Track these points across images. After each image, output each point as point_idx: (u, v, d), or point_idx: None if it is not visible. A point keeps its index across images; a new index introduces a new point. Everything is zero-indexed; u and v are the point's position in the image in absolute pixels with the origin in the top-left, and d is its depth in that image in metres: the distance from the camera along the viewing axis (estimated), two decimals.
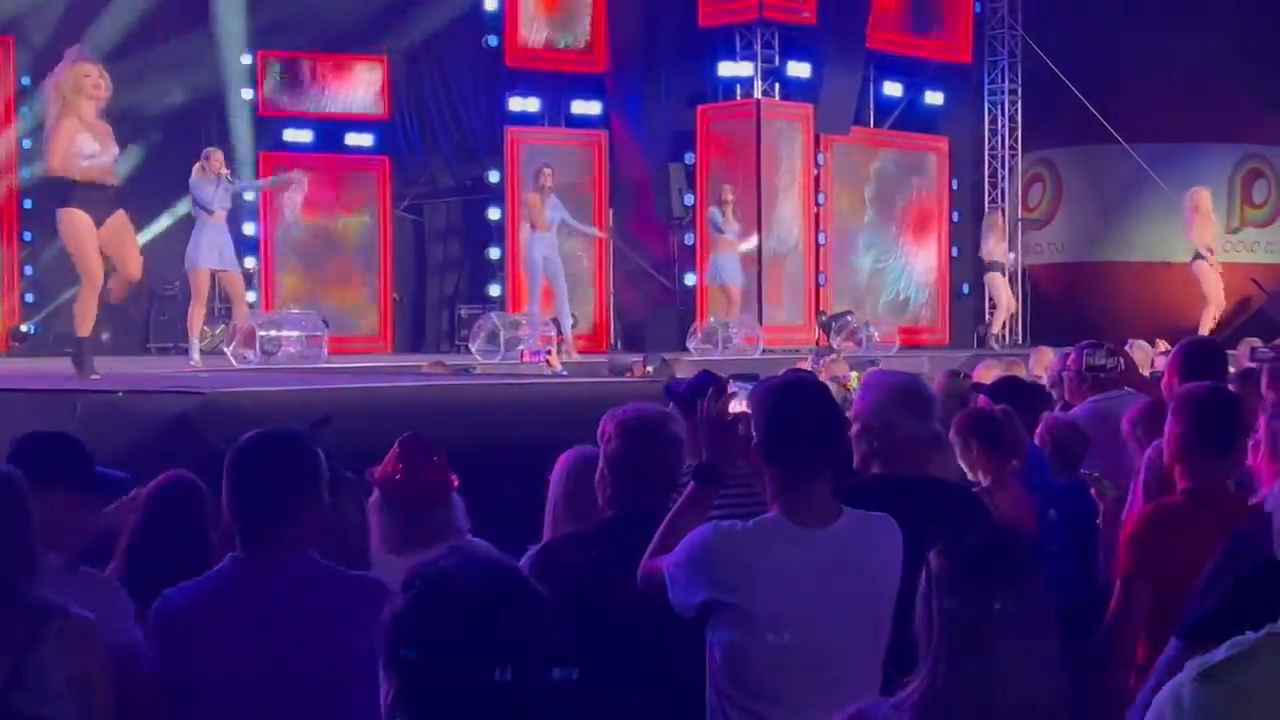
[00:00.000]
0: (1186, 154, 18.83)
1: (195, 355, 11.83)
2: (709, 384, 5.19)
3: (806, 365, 10.42)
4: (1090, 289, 17.65)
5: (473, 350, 14.32)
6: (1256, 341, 7.12)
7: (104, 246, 8.64)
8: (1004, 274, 17.74)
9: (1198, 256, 16.06)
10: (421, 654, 1.90)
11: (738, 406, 3.74)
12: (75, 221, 8.52)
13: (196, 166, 11.93)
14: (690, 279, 16.88)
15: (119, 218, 8.69)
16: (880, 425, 3.98)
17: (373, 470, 4.05)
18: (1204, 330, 14.93)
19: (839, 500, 3.39)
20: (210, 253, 11.70)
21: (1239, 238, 19.67)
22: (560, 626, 2.00)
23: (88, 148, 8.52)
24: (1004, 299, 17.88)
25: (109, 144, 8.64)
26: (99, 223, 8.54)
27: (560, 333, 14.32)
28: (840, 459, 3.64)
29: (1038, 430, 5.92)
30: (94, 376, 8.46)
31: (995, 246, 17.60)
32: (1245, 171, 19.66)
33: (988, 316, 18.40)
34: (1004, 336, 17.82)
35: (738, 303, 15.77)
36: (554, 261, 14.64)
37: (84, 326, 8.77)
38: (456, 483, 4.06)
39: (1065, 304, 19.21)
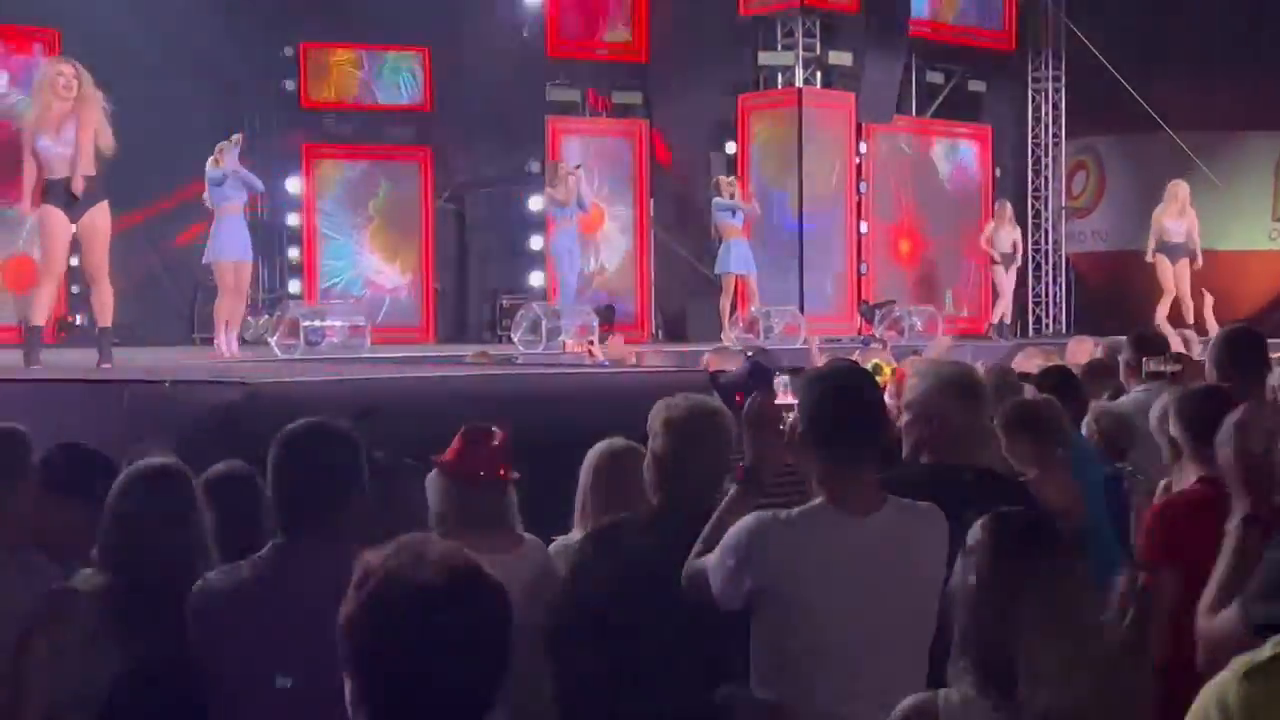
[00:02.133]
0: (1230, 142, 18.69)
1: (223, 346, 11.91)
2: (755, 375, 5.22)
3: (876, 356, 10.32)
4: (1133, 277, 17.47)
5: (515, 340, 14.35)
6: None
7: (80, 239, 9.00)
8: (1006, 267, 17.38)
9: (1158, 250, 15.83)
10: (379, 653, 1.87)
11: (785, 397, 3.76)
12: (44, 216, 8.94)
13: (210, 160, 12.05)
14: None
15: (99, 210, 8.88)
16: (932, 414, 4.00)
17: (435, 456, 4.11)
18: (1158, 320, 14.76)
19: (887, 489, 3.40)
20: (228, 244, 11.86)
21: None
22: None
23: (42, 143, 8.84)
24: (1001, 291, 17.50)
25: (64, 137, 8.84)
26: (78, 215, 8.83)
27: (607, 322, 14.35)
28: (885, 448, 3.66)
29: (1085, 419, 5.92)
30: (35, 366, 8.75)
31: (997, 237, 17.28)
32: None
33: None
34: (1004, 328, 17.54)
35: (754, 289, 15.73)
36: (577, 254, 14.75)
37: (37, 315, 9.17)
38: (513, 475, 4.10)
39: (1108, 292, 19.09)
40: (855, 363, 5.92)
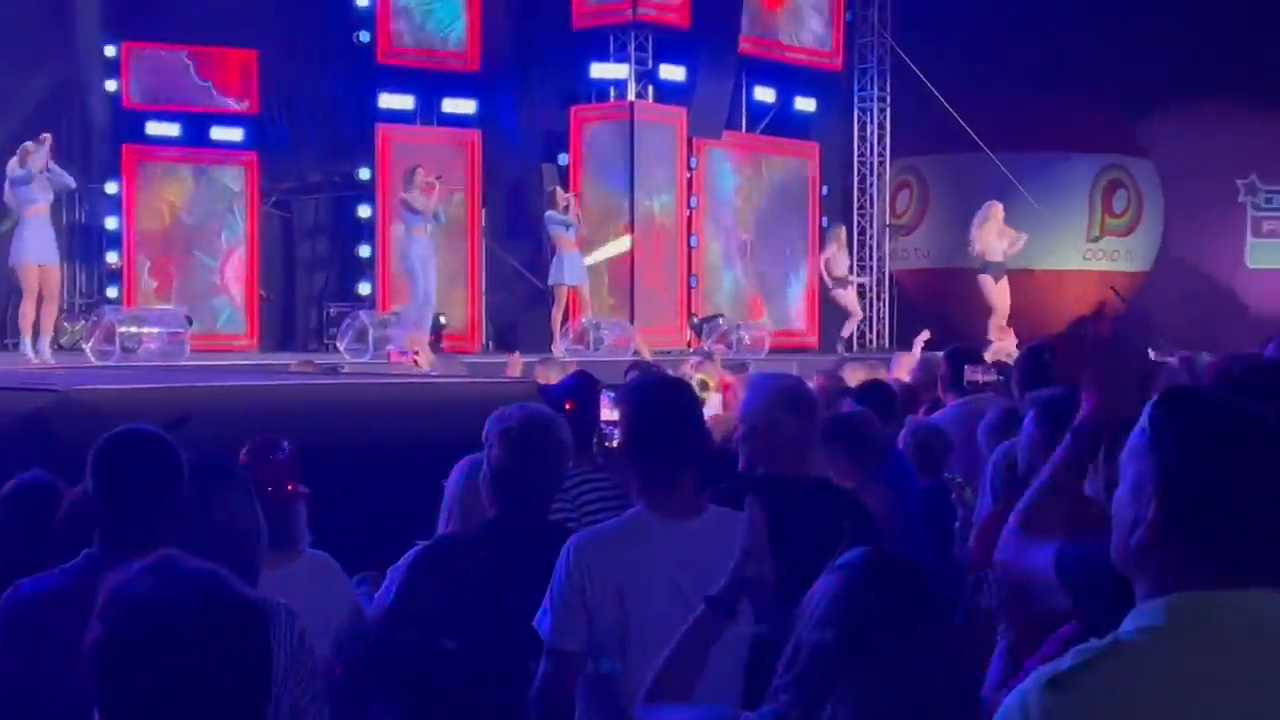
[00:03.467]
0: (1049, 163, 19.27)
1: (30, 351, 11.57)
2: (583, 386, 5.22)
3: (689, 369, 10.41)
4: (955, 295, 17.93)
5: (340, 349, 14.15)
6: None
7: None
8: (846, 287, 17.79)
9: (982, 270, 16.41)
10: (123, 684, 1.75)
11: (609, 411, 3.76)
12: None
13: (13, 160, 11.72)
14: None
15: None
16: (765, 426, 4.07)
17: None
18: (992, 336, 15.37)
19: (725, 501, 3.44)
20: (32, 247, 11.58)
21: (1099, 246, 20.18)
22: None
23: None
24: (853, 308, 17.92)
25: None
26: None
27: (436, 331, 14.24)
28: (703, 457, 3.69)
29: (902, 433, 6.03)
30: None
31: (836, 260, 17.68)
32: (1106, 182, 20.17)
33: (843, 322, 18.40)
34: (855, 341, 17.95)
35: (588, 301, 15.78)
36: (431, 262, 14.62)
37: None
38: (302, 490, 3.97)
39: (931, 309, 19.52)
40: (668, 372, 5.97)
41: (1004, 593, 3.63)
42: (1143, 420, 1.91)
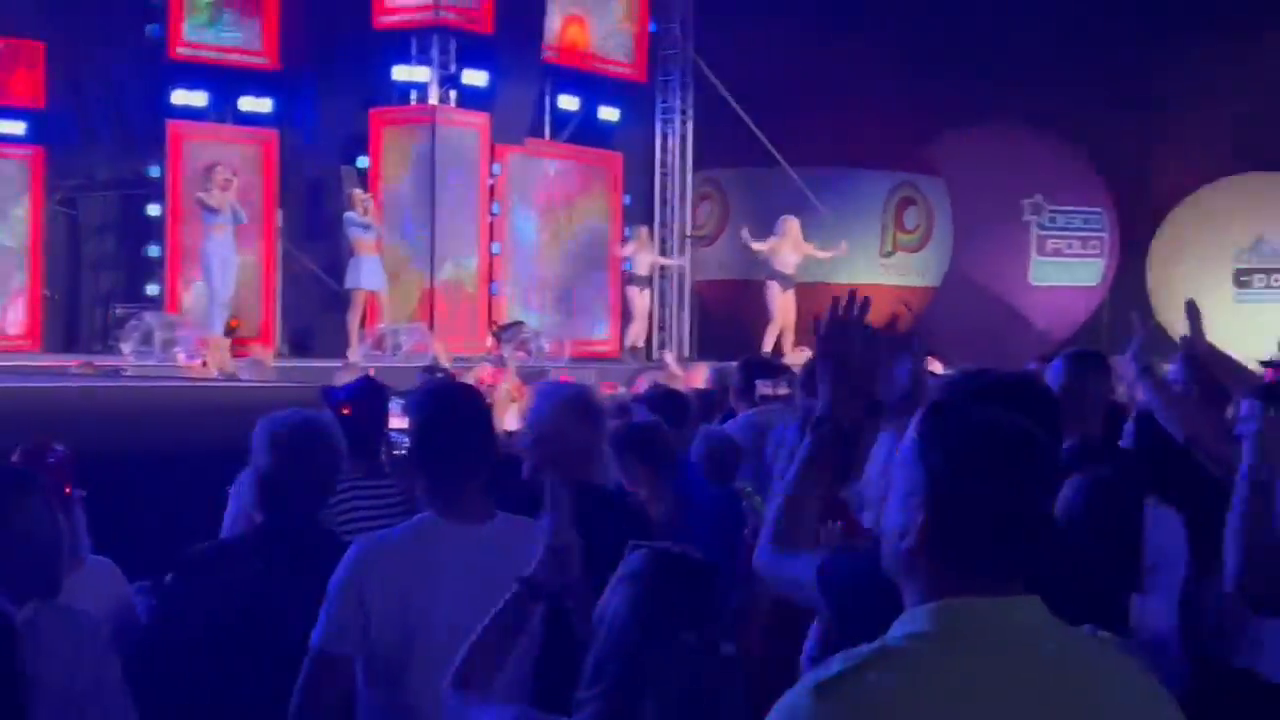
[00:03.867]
0: (844, 179, 19.68)
1: None
2: (367, 391, 5.13)
3: (481, 374, 10.37)
4: (753, 306, 18.18)
5: (125, 351, 13.73)
6: None
7: None
8: (644, 289, 18.01)
9: (770, 278, 16.86)
10: None
11: (397, 418, 3.74)
12: None
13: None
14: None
15: None
16: (552, 434, 4.11)
17: None
18: (767, 348, 15.74)
19: (508, 509, 3.47)
20: None
21: (892, 261, 20.67)
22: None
23: None
24: (642, 314, 18.10)
25: None
26: None
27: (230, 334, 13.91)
28: (495, 464, 3.69)
29: (694, 442, 6.07)
30: None
31: (639, 259, 17.87)
32: (899, 198, 20.67)
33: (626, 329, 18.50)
34: (644, 350, 18.08)
35: (385, 306, 15.61)
36: (232, 262, 14.28)
37: None
38: (79, 493, 3.83)
39: (730, 320, 19.77)
40: (455, 378, 5.95)
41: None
42: (911, 429, 1.95)
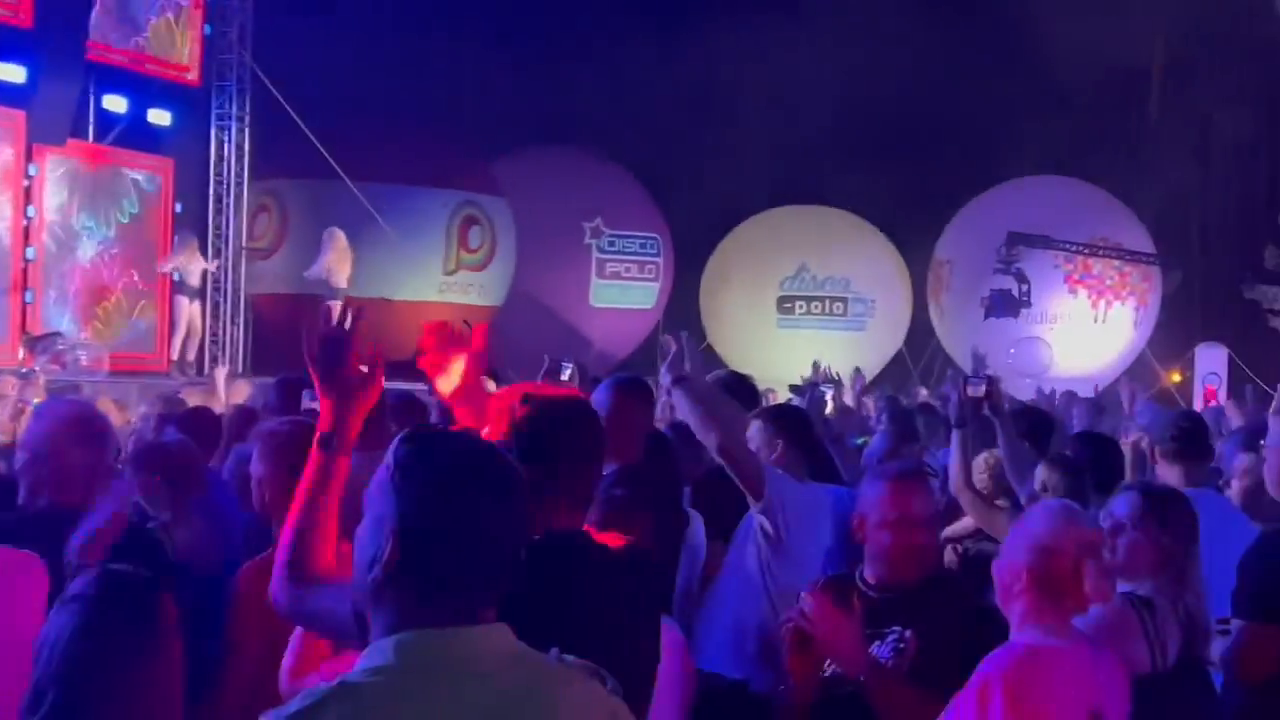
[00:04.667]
0: (407, 196, 19.56)
1: None
2: None
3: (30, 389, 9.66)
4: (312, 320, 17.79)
5: None
6: None
7: None
8: (194, 299, 17.40)
9: (328, 295, 16.80)
10: None
11: None
12: None
13: None
14: None
15: None
16: (49, 454, 3.92)
17: None
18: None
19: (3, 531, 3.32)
20: None
21: (455, 279, 20.69)
22: None
23: None
24: (193, 327, 17.49)
25: None
26: None
27: None
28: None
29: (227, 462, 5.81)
30: None
31: (189, 270, 17.22)
32: (462, 217, 20.71)
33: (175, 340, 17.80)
34: (185, 364, 17.43)
35: None
36: None
37: None
38: None
39: (289, 335, 19.26)
40: None
41: None
42: (388, 457, 1.89)
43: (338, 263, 16.54)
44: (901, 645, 3.75)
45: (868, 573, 3.95)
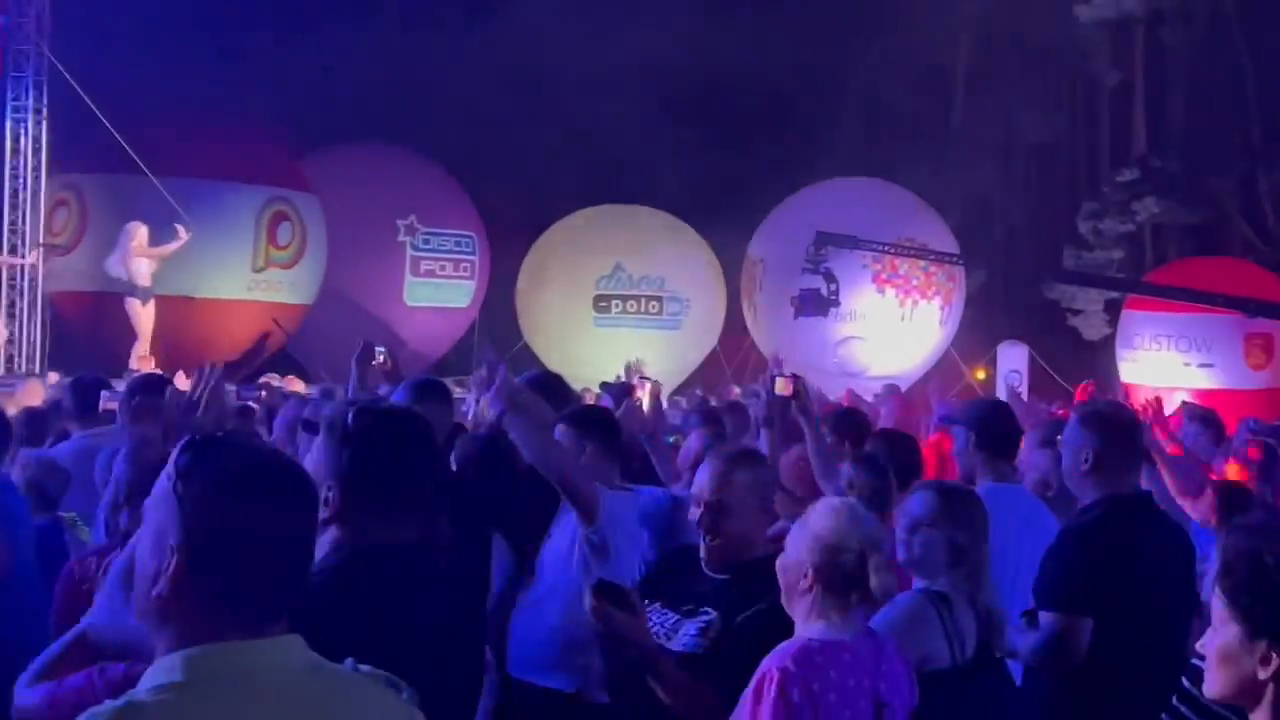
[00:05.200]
0: (214, 192, 19.08)
1: None
2: None
3: None
4: (113, 318, 17.24)
5: None
6: None
7: None
8: None
9: (129, 293, 16.40)
10: None
11: None
12: None
13: None
14: None
15: None
16: None
17: None
18: (134, 364, 15.28)
19: None
20: None
21: (264, 277, 20.23)
22: None
23: None
24: None
25: None
26: None
27: None
28: None
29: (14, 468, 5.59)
30: None
31: None
32: (271, 214, 20.25)
33: None
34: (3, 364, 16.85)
35: None
36: None
37: None
38: None
39: (89, 333, 18.71)
40: None
41: None
42: (167, 466, 1.80)
43: (140, 259, 16.05)
44: (706, 628, 3.78)
45: (704, 553, 4.00)
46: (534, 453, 4.77)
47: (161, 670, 1.76)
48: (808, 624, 3.41)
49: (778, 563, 3.52)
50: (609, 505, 4.91)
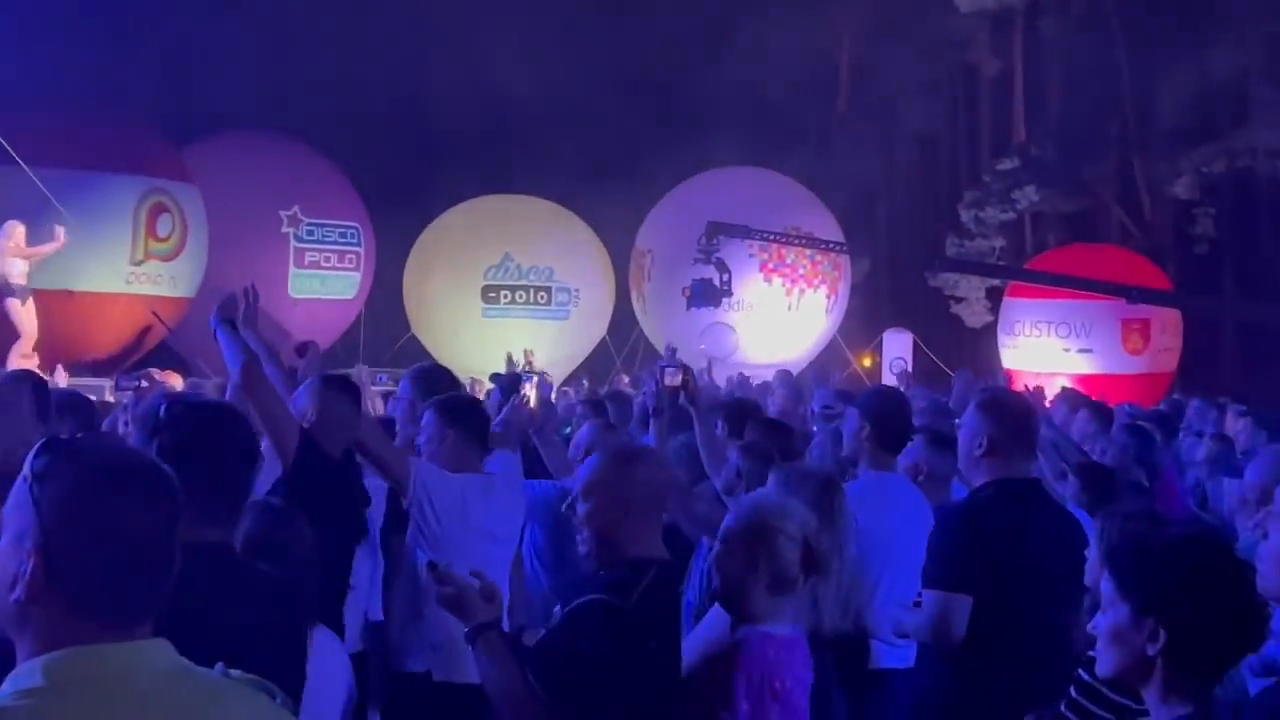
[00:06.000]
0: (89, 183, 18.67)
1: None
2: None
3: None
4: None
5: None
6: None
7: None
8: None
9: (9, 293, 16.03)
10: None
11: None
12: None
13: None
14: None
15: None
16: None
17: None
18: (14, 365, 14.91)
19: None
20: None
21: (143, 270, 19.83)
22: None
23: None
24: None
25: None
26: None
27: None
28: None
29: None
30: None
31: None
32: (150, 205, 19.86)
33: None
34: None
35: None
36: None
37: None
38: None
39: None
40: None
41: None
42: (25, 467, 1.75)
43: (15, 259, 15.69)
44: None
45: (580, 546, 3.99)
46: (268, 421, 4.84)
47: (23, 675, 1.72)
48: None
49: (713, 560, 3.61)
50: (424, 481, 5.02)
